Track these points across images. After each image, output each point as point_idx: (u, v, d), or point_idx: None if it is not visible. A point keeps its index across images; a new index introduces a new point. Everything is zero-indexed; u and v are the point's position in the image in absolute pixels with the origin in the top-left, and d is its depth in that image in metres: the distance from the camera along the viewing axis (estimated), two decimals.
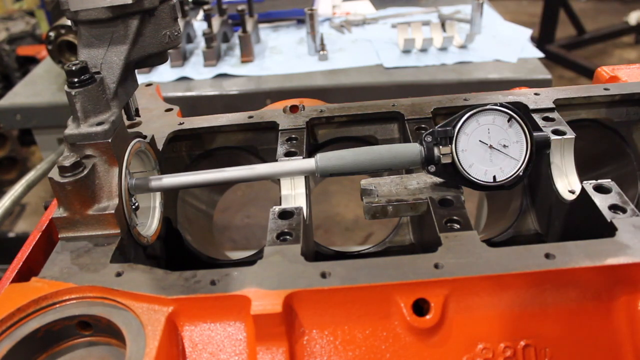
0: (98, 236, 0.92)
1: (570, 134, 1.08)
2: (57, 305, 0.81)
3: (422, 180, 1.01)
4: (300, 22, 2.82)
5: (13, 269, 0.95)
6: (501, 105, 0.94)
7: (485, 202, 1.63)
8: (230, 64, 2.39)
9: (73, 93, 0.90)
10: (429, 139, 0.96)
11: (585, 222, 0.96)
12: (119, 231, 0.92)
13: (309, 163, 1.00)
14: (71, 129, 0.91)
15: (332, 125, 1.27)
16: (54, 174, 0.89)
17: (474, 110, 0.94)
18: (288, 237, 0.89)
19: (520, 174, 0.95)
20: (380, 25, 2.76)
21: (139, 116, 1.23)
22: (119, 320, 0.77)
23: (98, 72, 0.93)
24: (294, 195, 1.03)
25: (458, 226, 0.88)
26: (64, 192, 0.89)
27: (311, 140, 1.25)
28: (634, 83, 1.26)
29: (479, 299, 0.78)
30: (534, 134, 0.95)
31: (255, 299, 0.76)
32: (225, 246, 3.60)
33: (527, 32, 2.54)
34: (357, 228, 3.72)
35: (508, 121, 0.94)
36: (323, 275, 0.79)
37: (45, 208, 1.15)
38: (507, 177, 0.95)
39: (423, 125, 1.17)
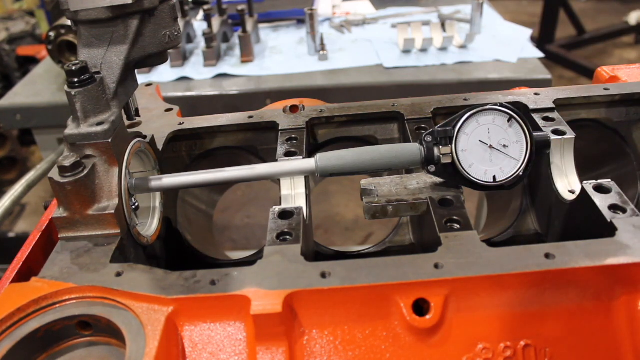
0: (98, 236, 0.92)
1: (570, 134, 1.08)
2: (57, 305, 0.81)
3: (422, 180, 1.01)
4: (300, 22, 2.82)
5: (13, 269, 0.95)
6: (501, 105, 0.94)
7: (485, 202, 1.63)
8: (230, 64, 2.39)
9: (73, 93, 0.90)
10: (429, 139, 0.96)
11: (585, 222, 0.96)
12: (119, 231, 0.92)
13: (309, 163, 1.00)
14: (71, 129, 0.91)
15: (332, 125, 1.27)
16: (54, 174, 0.89)
17: (474, 110, 0.94)
18: (288, 237, 0.89)
19: (520, 174, 0.95)
20: (380, 25, 2.76)
21: (139, 116, 1.23)
22: (119, 320, 0.77)
23: (98, 72, 0.93)
24: (294, 195, 1.03)
25: (458, 226, 0.88)
26: (64, 192, 0.89)
27: (311, 140, 1.25)
28: (634, 83, 1.26)
29: (479, 299, 0.78)
30: (534, 134, 0.95)
31: (255, 299, 0.76)
32: (225, 246, 3.60)
33: (527, 32, 2.54)
34: (357, 228, 3.72)
35: (508, 121, 0.94)
36: (323, 275, 0.79)
37: (45, 208, 1.15)
38: (507, 177, 0.95)
39: (423, 125, 1.17)
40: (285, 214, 0.94)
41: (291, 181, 1.04)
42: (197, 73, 2.32)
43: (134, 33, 0.94)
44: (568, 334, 0.77)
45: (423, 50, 2.37)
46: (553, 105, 1.18)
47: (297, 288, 0.77)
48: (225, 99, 2.20)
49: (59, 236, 0.92)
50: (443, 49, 2.36)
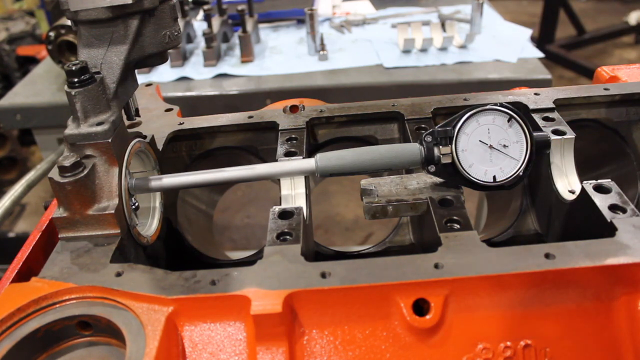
0: (98, 236, 0.92)
1: (570, 134, 1.08)
2: (57, 305, 0.81)
3: (422, 180, 1.01)
4: (300, 22, 2.82)
5: (13, 269, 0.95)
6: (501, 105, 0.94)
7: (485, 202, 1.63)
8: (230, 64, 2.39)
9: (73, 93, 0.90)
10: (429, 139, 0.96)
11: (585, 222, 0.96)
12: (119, 231, 0.92)
13: (309, 163, 1.00)
14: (71, 129, 0.91)
15: (332, 125, 1.27)
16: (54, 174, 0.89)
17: (474, 110, 0.94)
18: (288, 237, 0.89)
19: (520, 174, 0.95)
20: (380, 25, 2.76)
21: (139, 116, 1.23)
22: (119, 320, 0.77)
23: (98, 72, 0.93)
24: (294, 195, 1.03)
25: (458, 226, 0.88)
26: (64, 192, 0.89)
27: (311, 140, 1.25)
28: (634, 83, 1.26)
29: (479, 299, 0.78)
30: (534, 134, 0.95)
31: (255, 299, 0.76)
32: (225, 246, 3.60)
33: (527, 32, 2.54)
34: (357, 228, 3.72)
35: (508, 121, 0.94)
36: (323, 275, 0.79)
37: (45, 208, 1.15)
38: (507, 177, 0.95)
39: (423, 125, 1.17)
40: (285, 214, 0.94)
41: (291, 181, 1.04)
42: (197, 73, 2.32)
43: (134, 33, 0.93)
44: (568, 334, 0.77)
45: (423, 50, 2.37)
46: (553, 105, 1.18)
47: (297, 288, 0.77)
48: (225, 99, 2.20)
49: (59, 236, 0.92)
50: (443, 49, 2.36)
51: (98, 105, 0.92)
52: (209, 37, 2.34)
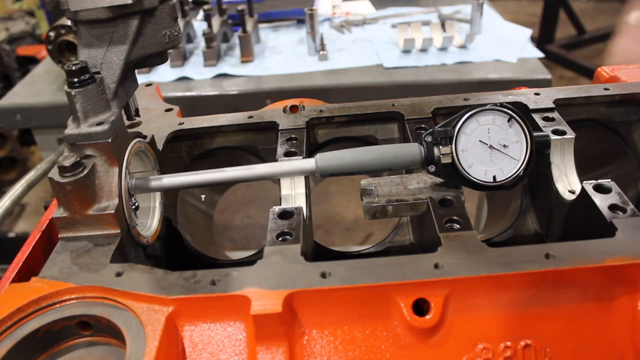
0: (98, 236, 0.92)
1: (570, 134, 1.08)
2: (57, 305, 0.81)
3: (422, 180, 1.01)
4: (300, 22, 2.82)
5: (13, 269, 0.95)
6: (501, 105, 0.94)
7: (485, 202, 1.63)
8: (230, 64, 2.39)
9: (73, 93, 0.90)
10: (429, 139, 0.96)
11: (585, 222, 0.96)
12: (119, 231, 0.92)
13: (309, 163, 1.00)
14: (71, 129, 0.91)
15: (332, 125, 1.27)
16: (54, 174, 0.89)
17: (474, 110, 0.94)
18: (288, 237, 0.89)
19: (520, 174, 0.95)
20: (380, 25, 2.76)
21: (139, 116, 1.23)
22: (119, 320, 0.77)
23: (98, 72, 0.93)
24: (294, 195, 1.03)
25: (458, 226, 0.88)
26: (64, 192, 0.89)
27: (311, 140, 1.25)
28: (634, 83, 1.26)
29: (479, 299, 0.78)
30: (534, 134, 0.95)
31: (255, 299, 0.76)
32: (225, 246, 3.60)
33: (527, 32, 2.54)
34: (357, 228, 3.72)
35: (508, 121, 0.94)
36: (323, 275, 0.79)
37: (45, 208, 1.15)
38: (507, 177, 0.95)
39: (423, 125, 1.17)
40: (285, 214, 0.94)
41: (291, 181, 1.04)
42: (197, 73, 2.32)
43: (134, 33, 0.93)
44: (568, 334, 0.77)
45: (423, 50, 2.37)
46: (553, 105, 1.18)
47: (297, 288, 0.77)
48: (225, 99, 2.20)
49: (59, 236, 0.92)
50: (443, 49, 2.36)
51: (98, 105, 0.92)
52: (209, 37, 2.34)
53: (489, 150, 0.95)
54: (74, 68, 0.89)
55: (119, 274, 0.84)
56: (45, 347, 0.80)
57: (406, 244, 1.28)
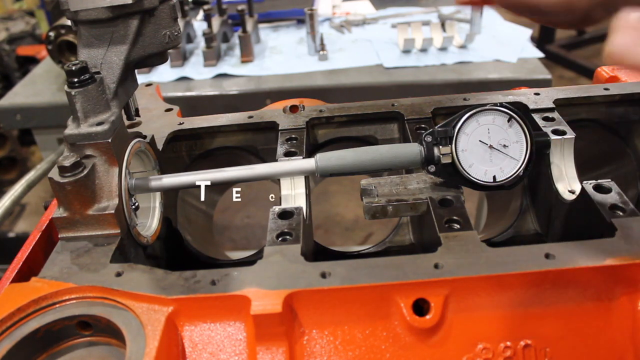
0: (98, 236, 0.92)
1: (570, 134, 1.08)
2: (57, 305, 0.81)
3: (422, 180, 1.01)
4: (300, 22, 2.82)
5: (13, 269, 0.95)
6: (501, 105, 0.94)
7: (485, 202, 1.63)
8: (230, 64, 2.39)
9: (73, 93, 0.90)
10: (429, 139, 0.96)
11: (585, 222, 0.96)
12: (119, 231, 0.92)
13: (309, 163, 1.00)
14: (71, 129, 0.91)
15: (332, 125, 1.27)
16: (54, 174, 0.89)
17: (474, 110, 0.94)
18: (288, 237, 0.89)
19: (520, 174, 0.95)
20: (380, 25, 2.76)
21: (139, 116, 1.23)
22: (119, 320, 0.77)
23: (98, 72, 0.93)
24: (294, 195, 1.03)
25: (458, 226, 0.88)
26: (64, 192, 0.89)
27: (311, 140, 1.25)
28: (634, 83, 1.26)
29: (479, 299, 0.78)
30: (534, 134, 0.95)
31: (255, 299, 0.76)
32: (225, 246, 3.60)
33: (527, 32, 2.54)
34: (357, 228, 3.72)
35: (508, 121, 0.94)
36: (323, 275, 0.79)
37: (45, 208, 1.15)
38: (507, 177, 0.95)
39: (423, 125, 1.17)
40: (285, 214, 0.94)
41: (291, 181, 1.04)
42: (197, 73, 2.32)
43: (134, 33, 0.93)
44: (568, 334, 0.77)
45: (423, 50, 2.37)
46: (553, 105, 1.18)
47: (297, 288, 0.77)
48: (225, 99, 2.20)
49: (59, 236, 0.92)
50: (443, 49, 2.36)
51: (98, 105, 0.92)
52: (209, 37, 2.34)
53: (489, 150, 0.95)
54: (74, 68, 0.89)
55: (119, 274, 0.84)
56: (45, 347, 0.80)
57: (406, 244, 1.28)
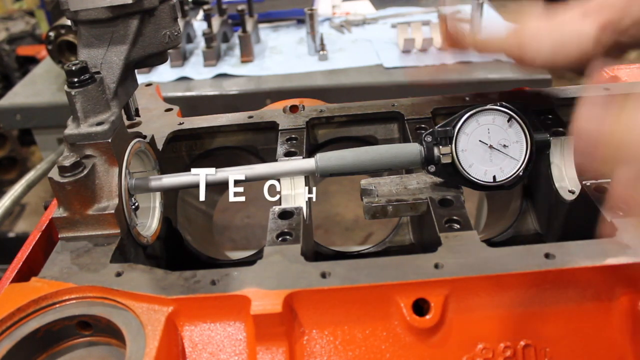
0: (98, 236, 0.92)
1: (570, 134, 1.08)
2: (57, 305, 0.81)
3: (422, 180, 1.01)
4: (300, 22, 2.82)
5: (13, 269, 0.95)
6: (501, 105, 0.94)
7: (485, 202, 1.63)
8: (230, 64, 2.39)
9: (73, 93, 0.89)
10: (429, 138, 0.96)
11: (585, 222, 0.96)
12: (119, 231, 0.92)
13: (309, 163, 1.00)
14: (71, 129, 0.91)
15: (332, 125, 1.27)
16: (54, 174, 0.89)
17: (474, 110, 0.94)
18: (288, 237, 0.89)
19: (520, 174, 0.95)
20: (380, 25, 2.76)
21: (139, 116, 1.23)
22: (119, 320, 0.77)
23: (98, 72, 0.93)
24: (294, 195, 1.03)
25: (458, 226, 0.88)
26: (63, 192, 0.89)
27: (311, 140, 1.25)
28: (634, 83, 1.26)
29: (479, 299, 0.78)
30: (534, 134, 0.95)
31: (255, 299, 0.76)
32: (225, 246, 3.60)
33: None
34: (357, 228, 3.72)
35: (508, 121, 0.94)
36: (323, 275, 0.79)
37: (45, 208, 1.15)
38: (507, 177, 0.95)
39: (423, 125, 1.17)
40: (285, 214, 0.94)
41: (291, 181, 1.04)
42: (197, 73, 2.32)
43: (134, 33, 0.93)
44: (568, 334, 0.77)
45: (423, 50, 2.37)
46: (553, 105, 1.17)
47: (297, 288, 0.77)
48: (225, 99, 2.20)
49: (59, 236, 0.92)
50: (443, 48, 2.36)
51: (98, 105, 0.92)
52: (209, 37, 2.34)
53: (489, 150, 0.95)
54: (74, 68, 0.89)
55: (119, 274, 0.84)
56: (45, 347, 0.80)
57: (406, 244, 1.28)
